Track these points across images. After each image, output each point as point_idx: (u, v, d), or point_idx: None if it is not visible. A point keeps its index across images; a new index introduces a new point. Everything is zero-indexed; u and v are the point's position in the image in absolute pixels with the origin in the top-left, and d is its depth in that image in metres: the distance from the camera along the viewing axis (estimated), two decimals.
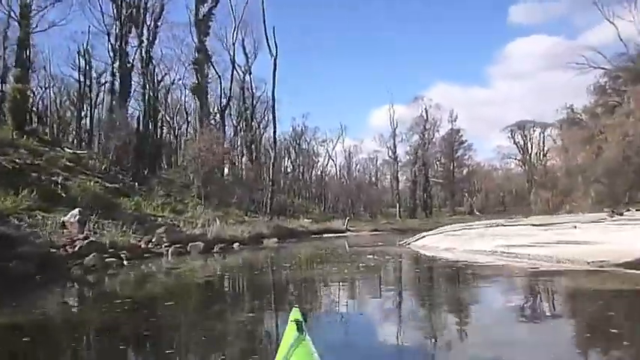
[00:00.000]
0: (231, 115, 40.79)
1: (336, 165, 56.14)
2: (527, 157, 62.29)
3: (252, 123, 37.14)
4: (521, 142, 62.24)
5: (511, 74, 76.81)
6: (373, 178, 61.24)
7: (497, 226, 14.10)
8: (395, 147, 54.11)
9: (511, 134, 61.50)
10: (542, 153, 62.79)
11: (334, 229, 28.77)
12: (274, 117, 32.01)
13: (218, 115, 33.57)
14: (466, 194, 57.13)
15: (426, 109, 53.01)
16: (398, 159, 54.82)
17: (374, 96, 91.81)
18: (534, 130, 61.97)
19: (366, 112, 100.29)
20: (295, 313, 2.33)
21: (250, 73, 35.61)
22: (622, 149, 17.22)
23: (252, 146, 36.65)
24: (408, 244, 15.68)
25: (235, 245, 16.45)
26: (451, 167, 56.48)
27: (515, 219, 15.40)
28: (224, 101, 33.89)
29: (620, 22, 27.83)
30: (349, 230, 29.70)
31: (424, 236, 15.85)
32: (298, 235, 23.89)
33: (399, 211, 52.35)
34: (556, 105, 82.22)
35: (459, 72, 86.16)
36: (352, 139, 62.78)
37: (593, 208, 18.72)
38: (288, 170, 53.28)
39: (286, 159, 53.40)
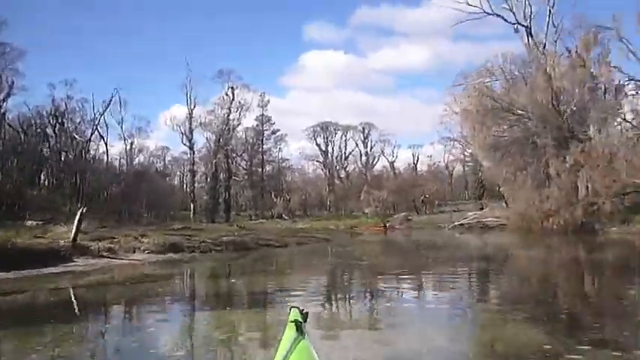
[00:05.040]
0: None
1: (107, 154, 40.74)
2: (329, 159, 59.58)
3: None
4: (323, 145, 59.37)
5: (306, 87, 75.71)
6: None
7: None
8: (192, 132, 43.04)
9: (313, 135, 57.86)
10: (343, 156, 61.18)
11: None
12: None
13: None
14: (273, 195, 49.39)
15: (232, 87, 43.45)
16: (194, 147, 43.95)
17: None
18: (336, 133, 60.08)
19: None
20: (294, 314, 1.99)
21: None
22: None
23: None
24: None
25: None
26: (259, 161, 48.24)
27: None
28: None
29: None
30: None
31: None
32: None
33: (193, 214, 41.34)
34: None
35: (255, 80, 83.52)
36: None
37: None
38: None
39: None
